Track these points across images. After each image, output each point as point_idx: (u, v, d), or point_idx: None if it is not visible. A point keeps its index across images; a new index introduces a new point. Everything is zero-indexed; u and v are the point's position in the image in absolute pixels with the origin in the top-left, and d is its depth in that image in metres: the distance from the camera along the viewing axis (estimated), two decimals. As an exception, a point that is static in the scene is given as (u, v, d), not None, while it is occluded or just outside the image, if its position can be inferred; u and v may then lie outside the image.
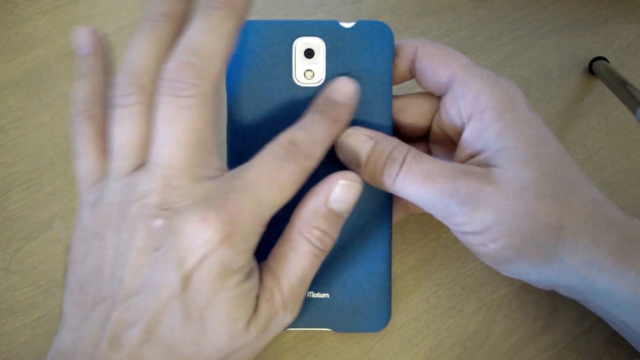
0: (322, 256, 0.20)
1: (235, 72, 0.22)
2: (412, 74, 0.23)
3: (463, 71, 0.21)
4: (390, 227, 0.23)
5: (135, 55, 0.18)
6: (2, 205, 0.27)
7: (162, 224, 0.17)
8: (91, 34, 0.21)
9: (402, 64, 0.23)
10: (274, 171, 0.18)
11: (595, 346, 0.26)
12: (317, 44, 0.22)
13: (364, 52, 0.22)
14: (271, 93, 0.22)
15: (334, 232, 0.20)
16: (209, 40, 0.18)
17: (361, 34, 0.22)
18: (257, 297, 0.19)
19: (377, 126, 0.22)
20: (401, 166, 0.20)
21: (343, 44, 0.22)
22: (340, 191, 0.19)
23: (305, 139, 0.19)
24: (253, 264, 0.19)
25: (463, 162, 0.21)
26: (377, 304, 0.23)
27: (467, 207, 0.19)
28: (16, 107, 0.28)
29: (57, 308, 0.25)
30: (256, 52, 0.22)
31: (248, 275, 0.18)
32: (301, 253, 0.19)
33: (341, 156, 0.22)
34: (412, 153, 0.20)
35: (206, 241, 0.17)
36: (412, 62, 0.22)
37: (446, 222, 0.21)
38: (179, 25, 0.19)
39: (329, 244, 0.20)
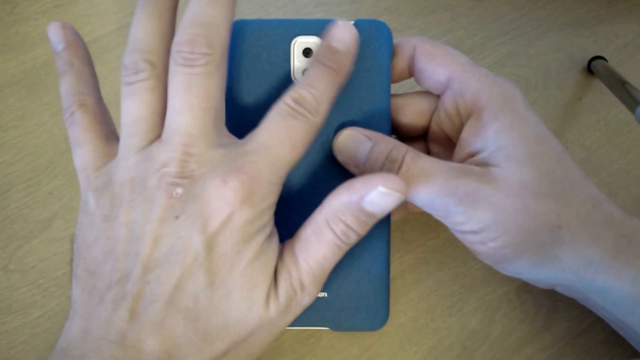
0: (346, 248, 0.20)
1: (234, 71, 0.22)
2: (410, 73, 0.23)
3: (461, 70, 0.21)
4: (388, 226, 0.24)
5: (140, 33, 0.19)
6: (1, 204, 0.27)
7: (182, 191, 0.17)
8: (62, 28, 0.21)
9: (401, 63, 0.23)
10: (283, 131, 0.18)
11: (594, 346, 0.26)
12: (316, 43, 0.22)
13: (362, 51, 0.22)
14: (269, 92, 0.22)
15: (362, 230, 0.19)
16: (213, 11, 0.18)
17: (359, 33, 0.22)
18: (276, 270, 0.19)
19: (375, 125, 0.22)
20: (400, 167, 0.20)
21: None
22: (378, 196, 0.18)
23: (310, 95, 0.19)
24: (273, 226, 0.19)
25: (462, 161, 0.21)
26: (375, 302, 0.23)
27: (466, 207, 0.19)
28: (16, 106, 0.28)
29: (57, 307, 0.25)
30: (254, 52, 0.22)
31: (269, 237, 0.19)
32: (324, 241, 0.19)
33: (339, 157, 0.22)
34: (410, 153, 0.20)
35: (228, 202, 0.17)
36: (411, 60, 0.22)
37: (445, 222, 0.21)
38: (176, 1, 0.20)
39: (353, 239, 0.19)
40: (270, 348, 0.25)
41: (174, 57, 0.18)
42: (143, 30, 0.19)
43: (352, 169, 0.22)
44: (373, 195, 0.18)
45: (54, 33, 0.20)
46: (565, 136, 0.30)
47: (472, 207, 0.19)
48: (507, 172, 0.20)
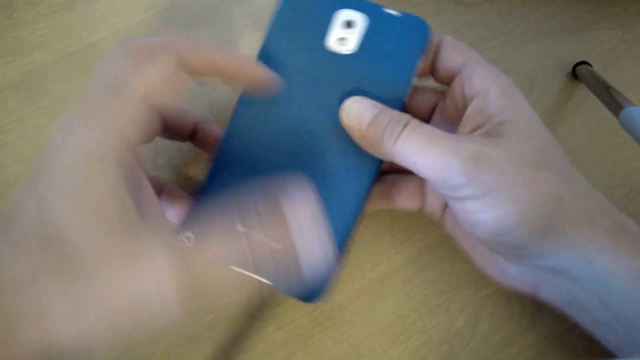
0: None
1: (275, 30, 0.24)
2: (432, 71, 0.24)
3: (474, 61, 0.23)
4: (362, 204, 0.23)
5: None
6: (-1, 205, 0.27)
7: None
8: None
9: (428, 58, 0.24)
10: None
11: (579, 344, 0.26)
12: (359, 18, 0.23)
13: (399, 41, 0.23)
14: (299, 54, 0.23)
15: None
16: None
17: (402, 24, 0.23)
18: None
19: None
20: (404, 127, 0.20)
21: (383, 26, 0.23)
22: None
23: None
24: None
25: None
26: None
27: (470, 167, 0.19)
28: (14, 109, 0.29)
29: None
30: (298, 14, 0.24)
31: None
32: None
33: (344, 118, 0.22)
34: (415, 120, 0.21)
35: None
36: (436, 53, 0.24)
37: (444, 186, 0.20)
38: None
39: None
40: (262, 345, 0.26)
41: None
42: None
43: (355, 133, 0.22)
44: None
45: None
46: (551, 139, 0.30)
47: (475, 169, 0.19)
48: (510, 143, 0.20)
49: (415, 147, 0.20)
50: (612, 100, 0.27)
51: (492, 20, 0.32)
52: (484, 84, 0.22)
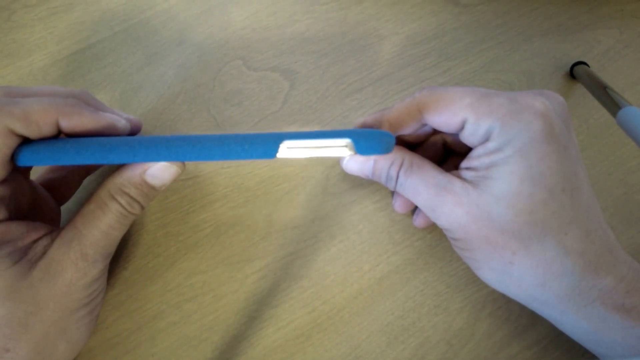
0: (132, 218, 0.21)
1: None
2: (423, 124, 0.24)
3: (473, 111, 0.21)
4: None
5: None
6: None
7: None
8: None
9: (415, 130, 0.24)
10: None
11: (578, 344, 0.26)
12: None
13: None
14: None
15: (144, 202, 0.21)
16: None
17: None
18: (54, 248, 0.20)
19: None
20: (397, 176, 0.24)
21: None
22: (159, 170, 0.20)
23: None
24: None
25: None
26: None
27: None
28: (12, 111, 0.29)
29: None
30: None
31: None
32: (110, 212, 0.20)
33: (348, 171, 0.25)
34: (406, 163, 0.23)
35: None
36: (420, 122, 0.23)
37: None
38: None
39: (137, 209, 0.21)
40: (260, 347, 0.26)
41: None
42: None
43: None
44: (154, 169, 0.20)
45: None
46: (549, 139, 0.30)
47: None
48: (485, 198, 0.21)
49: (411, 189, 0.23)
50: (610, 100, 0.27)
51: (489, 20, 0.32)
52: (490, 135, 0.21)
